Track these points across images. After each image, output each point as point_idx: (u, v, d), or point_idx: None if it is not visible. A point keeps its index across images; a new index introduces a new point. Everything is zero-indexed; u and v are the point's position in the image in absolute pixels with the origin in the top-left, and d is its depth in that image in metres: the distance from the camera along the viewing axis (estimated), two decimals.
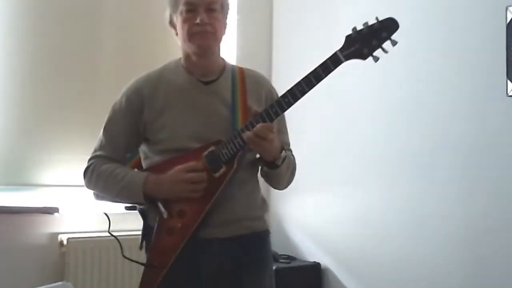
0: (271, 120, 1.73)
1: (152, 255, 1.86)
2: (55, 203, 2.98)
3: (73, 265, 2.94)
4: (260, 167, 1.91)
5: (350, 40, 1.68)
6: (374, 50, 1.67)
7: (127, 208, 1.99)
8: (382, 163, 3.00)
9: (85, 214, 3.10)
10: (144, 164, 1.92)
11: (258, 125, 1.70)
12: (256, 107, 1.80)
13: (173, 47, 3.39)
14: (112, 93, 3.24)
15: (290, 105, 1.72)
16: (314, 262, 3.33)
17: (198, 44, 1.84)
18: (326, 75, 1.68)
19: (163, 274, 1.79)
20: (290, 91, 1.71)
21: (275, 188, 1.98)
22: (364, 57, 1.68)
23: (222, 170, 1.77)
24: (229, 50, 3.53)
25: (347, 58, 1.68)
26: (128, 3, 3.34)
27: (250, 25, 3.63)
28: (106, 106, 3.20)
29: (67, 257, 2.94)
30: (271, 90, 1.95)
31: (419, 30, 2.82)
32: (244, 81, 1.91)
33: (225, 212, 1.80)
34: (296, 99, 1.71)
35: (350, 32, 1.69)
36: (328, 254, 3.30)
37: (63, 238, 2.96)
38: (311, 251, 3.41)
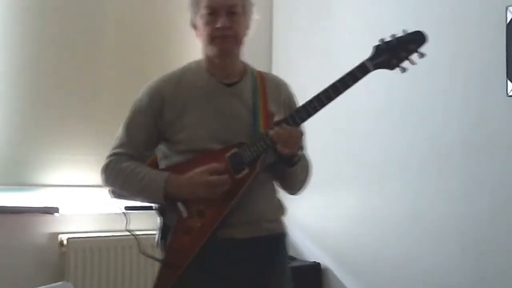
0: (296, 125, 1.76)
1: (169, 254, 1.85)
2: (55, 203, 2.98)
3: (73, 265, 2.94)
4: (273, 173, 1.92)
5: (379, 50, 1.73)
6: (402, 61, 1.72)
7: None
8: (382, 163, 3.00)
9: (85, 214, 3.10)
10: (161, 164, 1.92)
11: (287, 127, 1.74)
12: (276, 111, 1.82)
13: (173, 47, 3.42)
14: (113, 93, 3.28)
15: (316, 111, 1.76)
16: (314, 262, 3.33)
17: (219, 47, 1.85)
18: (353, 84, 1.73)
19: (179, 273, 1.80)
20: (317, 97, 1.75)
21: (289, 193, 1.98)
22: (391, 67, 1.73)
23: (245, 172, 1.78)
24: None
25: (376, 67, 1.73)
26: (129, 3, 3.34)
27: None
28: (106, 106, 3.24)
29: (67, 257, 2.94)
30: (290, 95, 1.97)
31: (419, 29, 2.82)
32: (265, 85, 1.92)
33: (245, 213, 1.81)
34: (322, 105, 1.75)
35: (377, 42, 1.74)
36: (328, 254, 3.30)
37: (63, 238, 2.96)
38: (311, 251, 3.41)
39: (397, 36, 1.72)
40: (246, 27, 1.91)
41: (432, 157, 2.74)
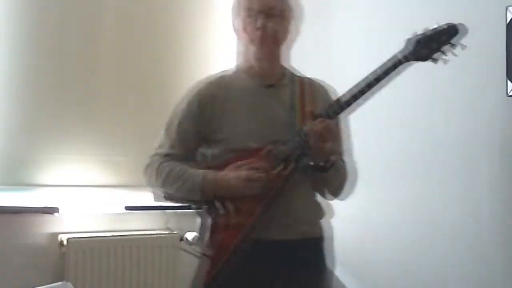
0: (330, 118, 1.79)
1: (207, 250, 1.90)
2: (55, 203, 2.98)
3: (73, 265, 2.93)
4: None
5: (410, 42, 1.76)
6: (433, 53, 1.76)
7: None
8: (382, 163, 3.00)
9: (85, 214, 3.10)
10: (203, 164, 1.96)
11: (318, 122, 1.75)
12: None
13: (174, 47, 3.42)
14: (112, 94, 3.28)
15: (349, 104, 1.79)
16: None
17: (259, 48, 1.90)
18: (385, 76, 1.75)
19: (216, 268, 1.84)
20: (350, 91, 1.77)
21: (323, 197, 2.00)
22: (423, 59, 1.76)
23: (280, 168, 1.81)
24: (229, 50, 3.53)
25: (407, 60, 1.75)
26: (129, 3, 3.34)
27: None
28: (106, 106, 3.23)
29: (67, 257, 2.93)
30: (329, 96, 1.99)
31: (419, 29, 2.82)
32: (303, 87, 1.96)
33: (281, 214, 1.84)
34: (355, 98, 1.78)
35: (410, 36, 1.78)
36: (329, 255, 3.29)
37: (63, 238, 2.96)
38: None
39: (429, 28, 1.74)
40: (285, 31, 1.96)
41: (431, 157, 2.74)
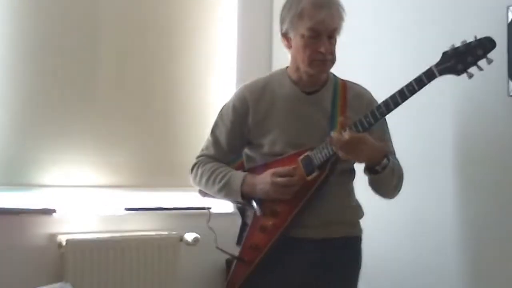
0: (364, 129, 1.79)
1: (244, 250, 1.97)
2: (54, 204, 2.98)
3: (72, 266, 2.93)
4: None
5: (446, 56, 1.76)
6: (468, 67, 1.75)
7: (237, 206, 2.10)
8: None
9: (84, 215, 3.09)
10: (246, 166, 2.05)
11: (345, 133, 1.75)
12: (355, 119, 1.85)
13: (174, 48, 3.41)
14: (113, 94, 3.28)
15: (383, 115, 1.81)
16: None
17: (318, 70, 1.92)
18: (419, 89, 1.78)
19: (252, 268, 1.91)
20: (385, 102, 1.80)
21: (383, 196, 2.02)
22: (458, 73, 1.76)
23: (315, 174, 1.85)
24: (229, 50, 3.53)
25: (442, 73, 1.76)
26: (129, 4, 3.33)
27: (250, 25, 3.63)
28: (105, 107, 3.23)
29: (66, 258, 2.93)
30: (371, 103, 1.99)
31: (419, 30, 2.82)
32: (346, 93, 1.98)
33: (317, 214, 1.88)
34: (389, 110, 1.81)
35: (446, 48, 1.78)
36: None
37: (62, 239, 2.95)
38: None
39: (466, 42, 1.74)
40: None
41: (432, 157, 2.74)
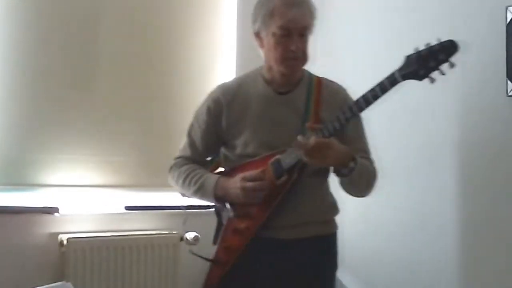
0: (331, 134, 1.79)
1: (219, 252, 1.99)
2: (55, 203, 2.98)
3: (73, 265, 2.93)
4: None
5: (409, 60, 1.72)
6: (430, 72, 1.70)
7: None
8: (382, 163, 2.99)
9: (85, 214, 3.10)
10: (224, 166, 2.07)
11: (310, 139, 1.75)
12: (329, 118, 1.84)
13: (174, 47, 3.41)
14: (112, 94, 3.28)
15: (348, 120, 1.79)
16: None
17: (289, 69, 1.92)
18: (383, 94, 1.74)
19: (226, 270, 1.93)
20: (349, 107, 1.78)
21: (354, 196, 2.02)
22: (420, 78, 1.72)
23: (284, 178, 1.85)
24: (230, 50, 3.53)
25: (404, 78, 1.72)
26: (129, 4, 3.34)
27: (250, 25, 3.63)
28: (106, 106, 3.23)
29: (67, 257, 2.93)
30: (346, 101, 1.97)
31: (419, 30, 2.82)
32: (320, 91, 1.97)
33: (290, 215, 1.89)
34: (354, 114, 1.79)
35: (410, 51, 1.74)
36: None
37: (63, 238, 2.96)
38: None
39: (429, 45, 1.70)
40: (308, 45, 1.96)
41: (432, 157, 2.74)
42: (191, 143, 2.06)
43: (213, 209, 2.07)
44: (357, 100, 1.77)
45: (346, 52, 3.10)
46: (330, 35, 3.27)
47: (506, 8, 2.43)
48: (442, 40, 1.69)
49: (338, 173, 1.86)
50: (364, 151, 2.00)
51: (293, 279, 1.89)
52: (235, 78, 2.08)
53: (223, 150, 2.04)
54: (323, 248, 1.97)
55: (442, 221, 2.68)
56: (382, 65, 1.73)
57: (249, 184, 1.85)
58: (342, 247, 3.20)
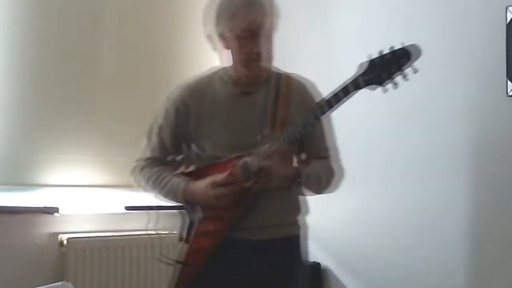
0: (292, 142, 1.80)
1: (188, 254, 1.97)
2: (55, 203, 2.98)
3: (73, 265, 2.93)
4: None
5: (372, 65, 1.69)
6: (393, 78, 1.68)
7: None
8: (382, 163, 3.00)
9: (85, 214, 3.10)
10: (195, 164, 2.04)
11: (263, 149, 1.79)
12: (297, 117, 1.83)
13: (173, 46, 3.41)
14: (113, 93, 3.28)
15: (312, 125, 1.79)
16: (314, 262, 3.33)
17: (253, 70, 1.91)
18: (346, 98, 1.72)
19: (196, 272, 1.93)
20: (314, 115, 1.76)
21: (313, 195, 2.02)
22: (382, 83, 1.69)
23: (252, 181, 1.85)
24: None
25: (367, 84, 1.70)
26: (129, 2, 3.34)
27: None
28: (106, 106, 3.23)
29: (67, 257, 2.93)
30: (313, 98, 1.97)
31: (419, 30, 2.82)
32: (288, 90, 1.96)
33: (257, 217, 1.89)
34: (318, 120, 1.79)
35: (368, 58, 1.70)
36: (328, 254, 3.30)
37: (63, 238, 2.96)
38: (311, 251, 3.40)
39: (392, 49, 1.68)
40: (272, 44, 1.97)
41: (432, 157, 2.74)
42: (157, 144, 2.03)
43: (183, 208, 2.05)
44: (321, 106, 1.75)
45: (342, 48, 3.11)
46: (327, 32, 3.27)
47: (506, 8, 2.43)
48: (406, 44, 1.68)
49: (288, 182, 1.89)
50: (325, 149, 2.01)
51: (263, 280, 1.91)
52: (201, 78, 2.03)
53: (194, 149, 2.01)
54: (290, 249, 1.97)
55: (442, 221, 2.68)
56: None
57: (220, 190, 1.85)
58: (343, 247, 3.22)
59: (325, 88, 1.79)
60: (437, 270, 2.69)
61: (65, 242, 2.94)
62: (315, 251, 3.38)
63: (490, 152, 2.52)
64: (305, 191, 1.96)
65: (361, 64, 1.69)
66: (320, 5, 3.44)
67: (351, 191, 3.17)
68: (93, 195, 3.14)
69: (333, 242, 3.28)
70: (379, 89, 1.72)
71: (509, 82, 2.42)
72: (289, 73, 2.03)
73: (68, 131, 3.09)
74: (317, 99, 1.95)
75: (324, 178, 1.98)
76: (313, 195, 2.00)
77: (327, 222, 3.32)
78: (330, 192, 2.02)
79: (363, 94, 2.98)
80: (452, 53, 2.67)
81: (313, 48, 3.36)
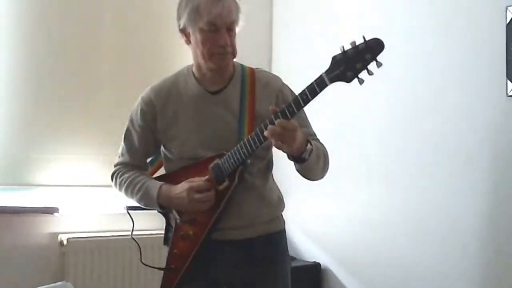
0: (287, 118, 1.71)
1: (170, 258, 1.96)
2: (55, 203, 2.98)
3: (73, 265, 2.94)
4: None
5: (336, 61, 1.64)
6: (358, 73, 1.62)
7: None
8: (382, 163, 3.00)
9: (85, 214, 3.10)
10: (165, 166, 2.03)
11: (278, 121, 1.68)
12: (266, 111, 1.78)
13: (172, 46, 3.41)
14: (112, 93, 3.28)
15: (285, 118, 1.70)
16: (314, 262, 3.33)
17: (218, 64, 1.88)
18: (313, 97, 1.66)
19: (180, 276, 1.91)
20: (282, 112, 1.69)
21: (312, 180, 1.97)
22: (348, 80, 1.63)
23: (225, 184, 1.83)
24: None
25: (332, 81, 1.64)
26: (128, 2, 3.34)
27: (250, 25, 3.63)
28: (105, 107, 3.24)
29: (67, 257, 2.94)
30: (281, 90, 1.94)
31: (418, 30, 2.82)
32: (254, 85, 1.93)
33: (238, 218, 1.87)
34: (287, 118, 1.69)
35: (337, 51, 1.64)
36: (328, 254, 3.30)
37: (63, 238, 2.96)
38: (311, 251, 3.41)
39: (355, 44, 1.61)
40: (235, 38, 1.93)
41: (432, 157, 2.74)
42: (129, 148, 2.01)
43: (159, 212, 2.03)
44: (289, 104, 1.69)
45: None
46: (328, 29, 3.27)
47: (506, 8, 2.43)
48: (367, 38, 1.60)
49: (297, 159, 1.80)
50: (311, 134, 1.95)
51: (247, 280, 1.89)
52: (165, 78, 2.01)
53: (163, 150, 1.99)
54: (274, 245, 1.95)
55: (442, 221, 2.68)
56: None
57: (198, 196, 1.83)
58: (343, 247, 3.22)
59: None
60: (437, 270, 2.69)
61: (65, 242, 2.94)
62: (315, 251, 3.38)
63: (491, 152, 2.52)
64: (310, 168, 1.86)
65: (332, 58, 1.64)
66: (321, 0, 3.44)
67: (351, 191, 3.18)
68: (93, 195, 3.14)
69: (333, 242, 3.28)
70: (377, 88, 1.72)
71: (509, 82, 2.41)
72: (251, 67, 1.99)
73: (67, 131, 3.10)
74: (284, 93, 1.93)
75: (326, 155, 1.93)
76: (314, 174, 1.92)
77: (327, 222, 3.32)
78: (324, 176, 1.95)
79: (363, 95, 2.99)
80: (452, 53, 2.67)
81: (315, 43, 3.36)
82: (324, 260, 3.31)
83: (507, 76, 2.42)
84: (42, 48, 3.08)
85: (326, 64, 1.66)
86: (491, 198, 2.51)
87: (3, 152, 2.95)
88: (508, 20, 2.42)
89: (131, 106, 3.33)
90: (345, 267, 3.20)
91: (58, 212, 2.97)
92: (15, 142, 2.99)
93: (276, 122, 1.68)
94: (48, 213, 2.96)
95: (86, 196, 3.13)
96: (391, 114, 2.97)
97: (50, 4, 3.11)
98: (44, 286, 1.97)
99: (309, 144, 1.79)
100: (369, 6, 3.13)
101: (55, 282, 2.28)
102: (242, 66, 1.99)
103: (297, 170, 1.89)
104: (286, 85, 1.98)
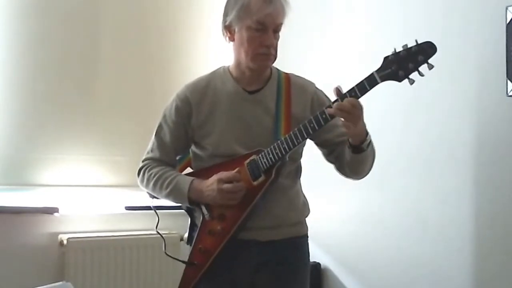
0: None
1: (194, 254, 1.96)
2: (55, 203, 2.98)
3: (73, 265, 2.94)
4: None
5: (388, 61, 1.70)
6: (410, 73, 1.70)
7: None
8: (382, 163, 2.99)
9: (85, 214, 3.10)
10: (194, 165, 2.03)
11: (346, 100, 1.71)
12: (302, 115, 1.84)
13: (173, 47, 3.42)
14: (112, 93, 3.29)
15: (327, 121, 1.76)
16: (314, 262, 3.33)
17: (261, 65, 1.90)
18: (362, 95, 1.72)
19: (202, 272, 1.91)
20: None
21: (355, 179, 2.00)
22: (399, 79, 1.71)
23: (261, 179, 1.84)
24: (230, 49, 3.53)
25: (383, 79, 1.70)
26: (128, 5, 3.34)
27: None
28: (106, 106, 3.24)
29: (67, 257, 2.94)
30: (316, 93, 1.98)
31: (418, 30, 2.82)
32: (290, 88, 1.96)
33: (265, 218, 1.88)
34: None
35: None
36: (328, 254, 3.30)
37: (63, 238, 2.96)
38: (311, 251, 3.40)
39: (407, 47, 1.69)
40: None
41: (432, 157, 2.74)
42: (160, 144, 2.01)
43: (184, 210, 2.03)
44: (336, 100, 1.73)
45: (343, 47, 3.11)
46: (327, 30, 3.27)
47: (506, 8, 2.43)
48: (420, 41, 1.68)
49: (356, 148, 1.82)
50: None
51: (268, 281, 1.90)
52: (200, 77, 2.02)
53: (193, 148, 2.00)
54: (296, 249, 1.97)
55: (442, 221, 2.68)
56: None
57: (226, 185, 1.83)
58: (343, 247, 3.22)
59: (330, 82, 1.78)
60: (437, 270, 2.69)
61: (65, 242, 2.94)
62: (315, 251, 3.38)
63: (490, 152, 2.52)
64: (363, 161, 1.88)
65: (384, 58, 1.71)
66: (321, 1, 3.44)
67: (351, 191, 3.18)
68: (93, 195, 3.14)
69: (333, 242, 3.28)
70: (383, 88, 1.74)
71: (509, 82, 2.42)
72: (286, 72, 2.02)
73: (68, 131, 3.10)
74: (319, 95, 1.97)
75: (375, 152, 1.95)
76: (363, 170, 1.94)
77: (327, 222, 3.32)
78: (367, 173, 1.97)
79: (366, 95, 2.98)
80: (451, 53, 2.67)
81: (313, 44, 3.36)
82: (324, 260, 3.31)
83: (507, 76, 2.42)
84: (42, 49, 3.08)
85: (327, 63, 1.67)
86: (492, 197, 2.51)
87: (3, 152, 2.95)
88: (508, 20, 2.43)
89: (131, 106, 3.34)
90: (345, 267, 3.20)
91: (58, 212, 2.97)
92: (15, 142, 2.99)
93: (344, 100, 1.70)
94: (48, 213, 2.96)
95: (86, 196, 3.13)
96: (391, 114, 2.97)
97: (51, 5, 3.11)
98: (44, 286, 1.97)
99: (369, 135, 1.83)
100: (368, 5, 3.13)
101: (55, 282, 2.27)
102: (278, 69, 2.02)
103: (347, 164, 1.91)
104: (320, 89, 2.01)
